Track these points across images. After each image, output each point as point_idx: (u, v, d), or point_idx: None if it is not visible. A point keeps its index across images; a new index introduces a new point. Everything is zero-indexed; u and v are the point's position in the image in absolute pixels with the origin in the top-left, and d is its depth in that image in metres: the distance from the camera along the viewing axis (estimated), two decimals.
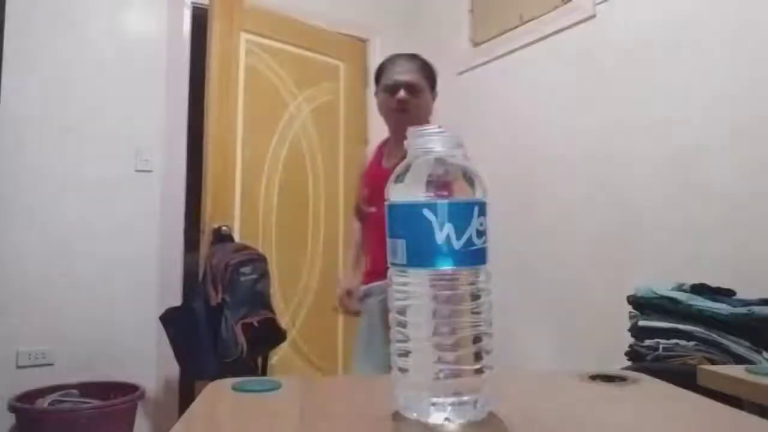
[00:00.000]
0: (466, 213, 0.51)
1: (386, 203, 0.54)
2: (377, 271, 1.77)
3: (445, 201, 0.51)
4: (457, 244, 0.50)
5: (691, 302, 1.53)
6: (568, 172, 2.41)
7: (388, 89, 1.80)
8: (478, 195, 0.52)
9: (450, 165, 0.53)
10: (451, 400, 0.50)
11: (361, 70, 3.28)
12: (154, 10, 2.78)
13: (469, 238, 0.51)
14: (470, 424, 0.50)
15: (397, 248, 0.52)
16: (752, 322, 1.43)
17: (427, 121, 1.77)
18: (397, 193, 0.53)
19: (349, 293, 1.92)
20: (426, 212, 0.51)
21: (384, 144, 1.95)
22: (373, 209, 1.80)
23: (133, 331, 2.60)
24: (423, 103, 1.80)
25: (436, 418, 0.50)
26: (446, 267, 0.51)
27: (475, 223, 0.51)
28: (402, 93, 1.76)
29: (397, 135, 1.84)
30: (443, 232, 0.50)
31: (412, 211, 0.52)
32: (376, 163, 1.91)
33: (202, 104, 2.59)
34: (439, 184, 0.52)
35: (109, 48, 2.67)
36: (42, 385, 2.31)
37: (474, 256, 0.51)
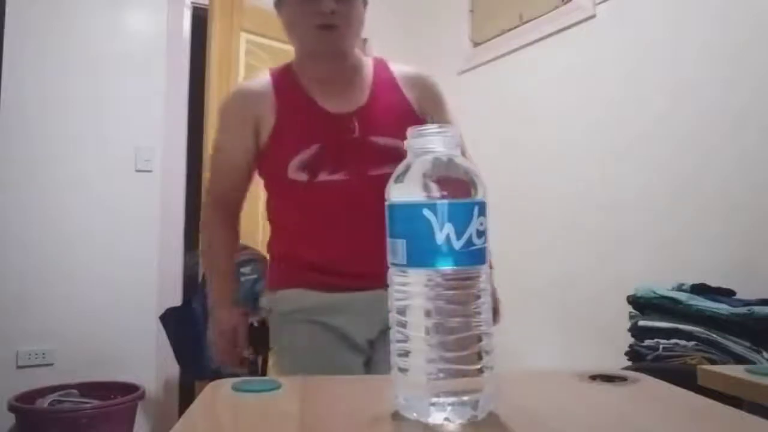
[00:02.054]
0: (466, 213, 0.51)
1: (386, 203, 0.54)
2: (349, 271, 1.21)
3: (445, 201, 0.51)
4: (457, 244, 0.51)
5: (691, 302, 1.53)
6: (568, 172, 2.41)
7: None
8: (479, 195, 0.53)
9: (450, 165, 0.53)
10: (451, 400, 0.50)
11: None
12: (154, 10, 2.78)
13: (469, 238, 0.51)
14: (470, 424, 0.50)
15: (397, 248, 0.52)
16: (752, 322, 1.43)
17: (358, 38, 1.29)
18: (397, 193, 0.53)
19: (234, 334, 1.36)
20: (426, 212, 0.51)
21: (286, 74, 1.31)
22: (335, 176, 1.20)
23: (133, 331, 2.60)
24: (355, 13, 1.24)
25: (436, 418, 0.50)
26: (446, 267, 0.51)
27: (475, 223, 0.51)
28: (329, 2, 1.19)
29: (319, 61, 1.27)
30: (443, 232, 0.50)
31: (412, 211, 0.52)
32: (304, 103, 1.26)
33: (202, 104, 2.59)
34: (439, 184, 0.52)
35: (110, 48, 2.67)
36: (42, 385, 2.31)
37: (474, 256, 0.51)
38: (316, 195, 1.21)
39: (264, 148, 1.25)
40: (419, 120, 1.28)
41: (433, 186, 0.51)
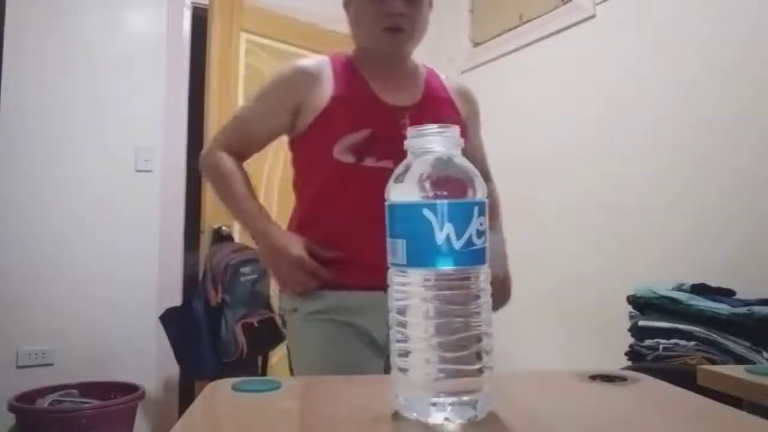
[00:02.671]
0: (466, 213, 0.51)
1: (386, 203, 0.54)
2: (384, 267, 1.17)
3: (445, 201, 0.51)
4: (457, 244, 0.51)
5: (691, 302, 1.53)
6: (568, 172, 2.41)
7: None
8: (478, 195, 0.53)
9: (450, 165, 0.53)
10: (451, 400, 0.50)
11: None
12: (154, 10, 2.78)
13: (469, 238, 0.51)
14: (470, 424, 0.50)
15: (397, 248, 0.52)
16: (752, 322, 1.43)
17: (420, 41, 1.30)
18: (397, 193, 0.53)
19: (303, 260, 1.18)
20: (426, 212, 0.51)
21: (347, 61, 1.31)
22: (381, 163, 1.17)
23: (133, 330, 2.60)
24: (422, 17, 1.26)
25: (436, 418, 0.50)
26: (446, 267, 0.51)
27: (475, 223, 0.51)
28: (398, 3, 1.20)
29: (380, 60, 1.29)
30: (443, 232, 0.51)
31: (412, 211, 0.52)
32: (360, 90, 1.26)
33: (202, 104, 2.59)
34: (439, 184, 0.52)
35: (110, 48, 2.67)
36: (42, 385, 2.31)
37: (474, 256, 0.52)
38: (360, 179, 1.18)
39: (306, 127, 1.24)
40: (464, 127, 1.32)
41: (433, 186, 0.52)
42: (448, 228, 0.50)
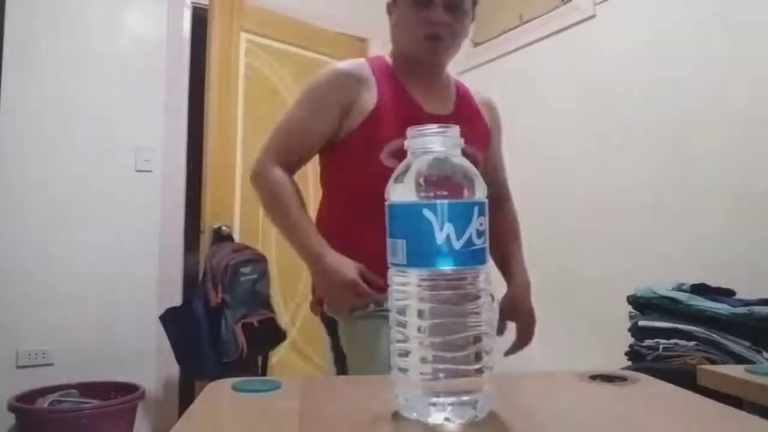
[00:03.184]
0: (466, 213, 0.51)
1: (386, 203, 0.54)
2: None
3: (445, 201, 0.51)
4: (457, 245, 0.51)
5: (691, 302, 1.54)
6: (567, 171, 2.41)
7: (419, 1, 1.24)
8: (478, 195, 0.53)
9: (449, 165, 0.53)
10: (450, 400, 0.50)
11: None
12: (154, 10, 2.78)
13: (469, 238, 0.51)
14: (470, 424, 0.50)
15: (396, 248, 0.52)
16: (752, 322, 1.43)
17: (458, 51, 1.34)
18: (397, 193, 0.53)
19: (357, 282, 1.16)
20: (426, 212, 0.51)
21: (384, 66, 1.32)
22: None
23: (133, 331, 2.60)
24: (462, 27, 1.30)
25: (436, 418, 0.50)
26: (446, 267, 0.51)
27: (475, 223, 0.51)
28: (440, 12, 1.23)
29: (416, 66, 1.30)
30: (443, 232, 0.51)
31: (412, 211, 0.52)
32: (401, 95, 1.27)
33: (202, 104, 2.59)
34: (439, 183, 0.52)
35: (109, 48, 2.67)
36: (42, 385, 2.31)
37: (474, 256, 0.52)
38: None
39: (351, 130, 1.23)
40: (490, 138, 1.40)
41: (433, 186, 0.52)
42: (448, 228, 0.50)
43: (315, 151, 1.29)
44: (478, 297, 0.52)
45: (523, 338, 1.34)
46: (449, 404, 0.50)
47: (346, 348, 1.21)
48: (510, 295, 1.36)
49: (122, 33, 2.72)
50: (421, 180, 0.52)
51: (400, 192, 0.53)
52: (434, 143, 0.54)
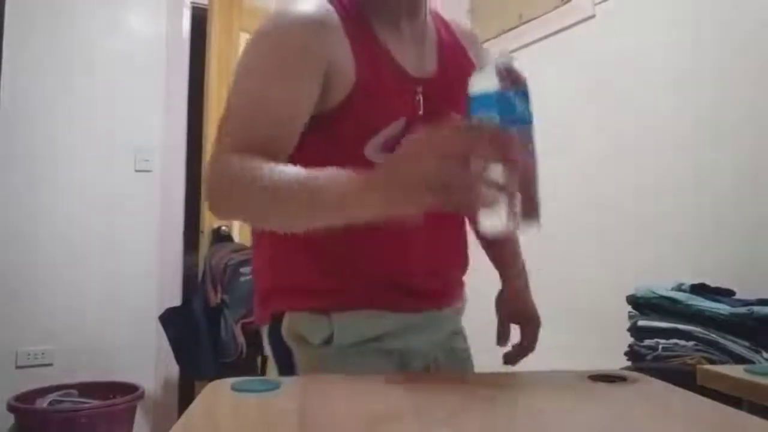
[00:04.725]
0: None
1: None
2: (420, 287, 0.93)
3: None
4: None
5: (690, 302, 1.53)
6: (567, 172, 2.41)
7: None
8: None
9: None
10: None
11: None
12: (154, 10, 2.78)
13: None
14: (471, 425, 0.50)
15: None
16: (752, 322, 1.43)
17: None
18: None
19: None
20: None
21: (360, 18, 0.89)
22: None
23: (132, 331, 2.60)
24: None
25: None
26: None
27: None
28: None
29: (397, 13, 0.93)
30: None
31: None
32: (383, 58, 0.89)
33: (202, 104, 2.59)
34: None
35: (109, 48, 2.67)
36: (41, 385, 2.31)
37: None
38: None
39: (330, 111, 0.84)
40: None
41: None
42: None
43: (292, 142, 0.82)
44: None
45: (527, 346, 1.13)
46: None
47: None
48: (507, 293, 1.14)
49: (121, 33, 2.72)
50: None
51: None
52: None
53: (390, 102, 0.89)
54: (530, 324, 1.14)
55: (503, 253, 1.16)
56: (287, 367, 0.87)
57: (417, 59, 0.94)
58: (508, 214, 0.60)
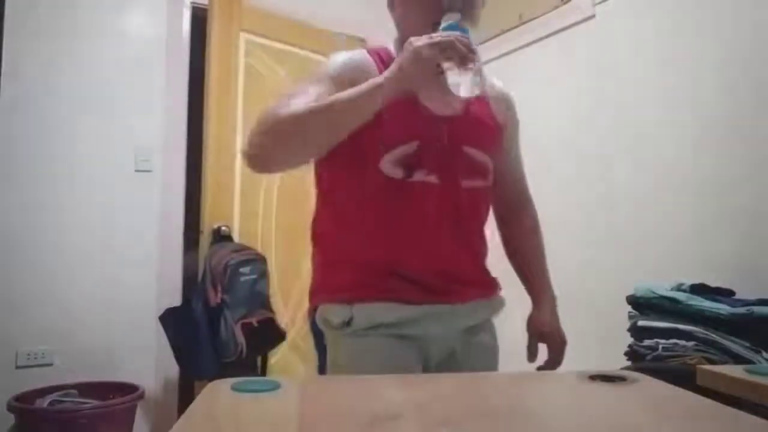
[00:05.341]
0: None
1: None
2: (431, 283, 1.09)
3: None
4: None
5: (690, 302, 1.53)
6: (567, 172, 2.41)
7: None
8: None
9: None
10: None
11: None
12: (154, 10, 2.78)
13: None
14: (471, 424, 0.50)
15: None
16: (752, 322, 1.43)
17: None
18: None
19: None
20: None
21: (386, 57, 1.15)
22: (430, 178, 1.08)
23: (132, 330, 2.60)
24: (475, 15, 1.21)
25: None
26: None
27: None
28: None
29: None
30: None
31: None
32: (411, 98, 1.08)
33: (202, 104, 2.59)
34: None
35: (109, 48, 2.66)
36: (41, 385, 2.31)
37: None
38: (408, 195, 1.08)
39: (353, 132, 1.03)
40: (503, 138, 1.26)
41: None
42: None
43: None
44: None
45: (554, 362, 1.26)
46: None
47: (330, 368, 1.05)
48: (536, 316, 1.32)
49: (121, 33, 2.71)
50: None
51: None
52: None
53: (409, 127, 1.09)
54: (556, 344, 1.28)
55: (531, 276, 1.41)
56: (321, 348, 1.09)
57: (440, 100, 1.12)
58: (474, 74, 1.01)
